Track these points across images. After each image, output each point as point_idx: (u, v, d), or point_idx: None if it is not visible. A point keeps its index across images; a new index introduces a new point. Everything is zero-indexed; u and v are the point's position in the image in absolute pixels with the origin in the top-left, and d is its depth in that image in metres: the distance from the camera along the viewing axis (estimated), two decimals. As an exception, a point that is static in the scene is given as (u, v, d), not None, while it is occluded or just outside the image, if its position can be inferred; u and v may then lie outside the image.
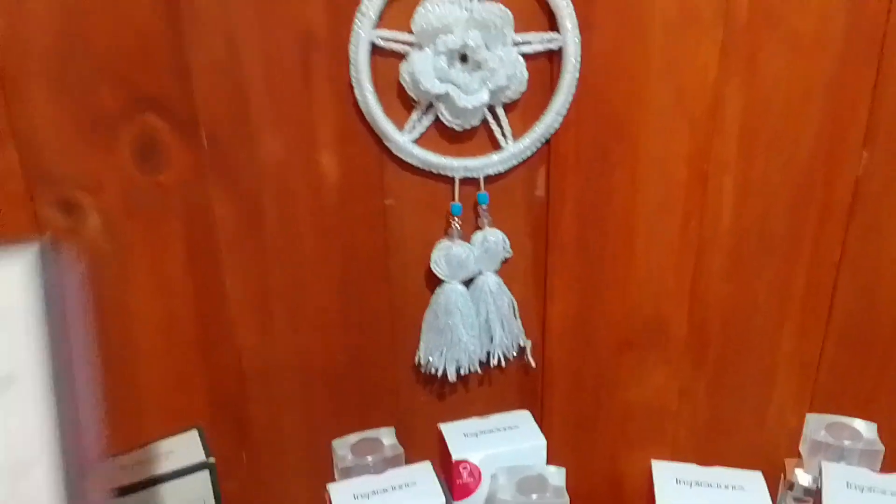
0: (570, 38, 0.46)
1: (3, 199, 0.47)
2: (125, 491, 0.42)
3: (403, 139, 0.48)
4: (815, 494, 0.44)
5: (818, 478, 0.43)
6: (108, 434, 0.53)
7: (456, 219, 0.51)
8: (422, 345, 0.54)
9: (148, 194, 0.48)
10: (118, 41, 0.44)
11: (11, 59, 0.44)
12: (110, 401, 0.52)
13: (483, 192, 0.50)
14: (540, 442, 0.45)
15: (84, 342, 0.25)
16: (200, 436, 0.46)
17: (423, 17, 0.45)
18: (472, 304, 0.52)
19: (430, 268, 0.51)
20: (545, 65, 0.48)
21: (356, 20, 0.45)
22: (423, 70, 0.45)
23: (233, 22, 0.45)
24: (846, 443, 0.45)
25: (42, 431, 0.23)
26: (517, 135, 0.49)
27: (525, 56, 0.47)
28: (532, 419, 0.47)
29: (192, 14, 0.44)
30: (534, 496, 0.41)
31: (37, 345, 0.23)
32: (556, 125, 0.49)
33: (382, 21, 0.45)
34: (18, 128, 0.45)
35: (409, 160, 0.49)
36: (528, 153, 0.50)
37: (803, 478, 0.47)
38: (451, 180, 0.50)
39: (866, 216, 0.54)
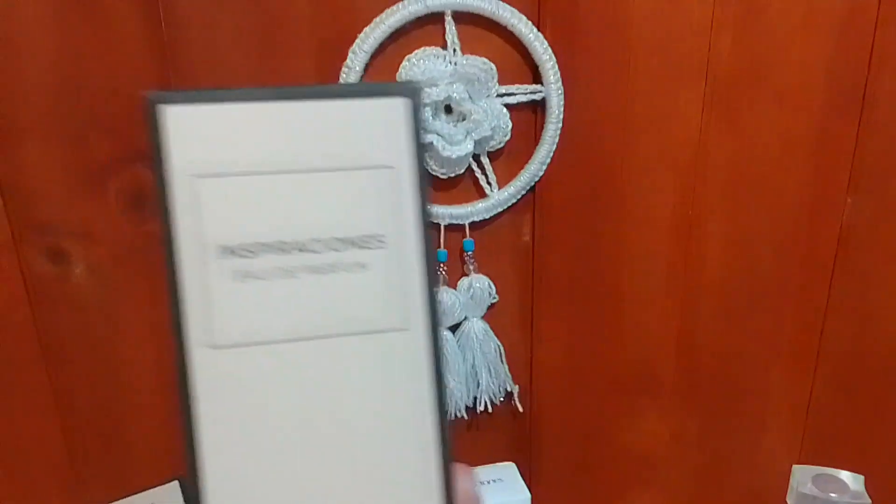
0: (552, 90, 0.47)
1: (-8, 248, 0.47)
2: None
3: (389, 188, 0.49)
4: (801, 547, 0.44)
5: (804, 531, 0.43)
6: (95, 483, 0.53)
7: (442, 266, 0.51)
8: (409, 391, 0.54)
9: (136, 243, 0.48)
10: (110, 94, 0.45)
11: (4, 109, 0.44)
12: (98, 450, 0.52)
13: (469, 238, 0.51)
14: (524, 496, 0.45)
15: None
16: (181, 487, 0.46)
17: (407, 71, 0.46)
18: (458, 351, 0.53)
19: (416, 315, 0.51)
20: (529, 115, 0.49)
21: (343, 73, 0.46)
22: (409, 122, 0.46)
23: (225, 77, 0.45)
24: (832, 496, 0.45)
25: (416, 295, 0.22)
26: (502, 183, 0.50)
27: (509, 107, 0.47)
28: (517, 473, 0.47)
29: (184, 69, 0.45)
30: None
31: (412, 207, 0.22)
32: (541, 174, 0.50)
33: (367, 74, 0.46)
34: (7, 175, 0.46)
35: (395, 208, 0.50)
36: (513, 201, 0.50)
37: (791, 529, 0.47)
38: (436, 227, 0.50)
39: (852, 262, 0.54)
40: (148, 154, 0.21)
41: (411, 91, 0.22)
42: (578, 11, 0.47)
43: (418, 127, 0.22)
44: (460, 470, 0.26)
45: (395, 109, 0.22)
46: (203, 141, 0.22)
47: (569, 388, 0.57)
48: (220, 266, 0.22)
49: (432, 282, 0.22)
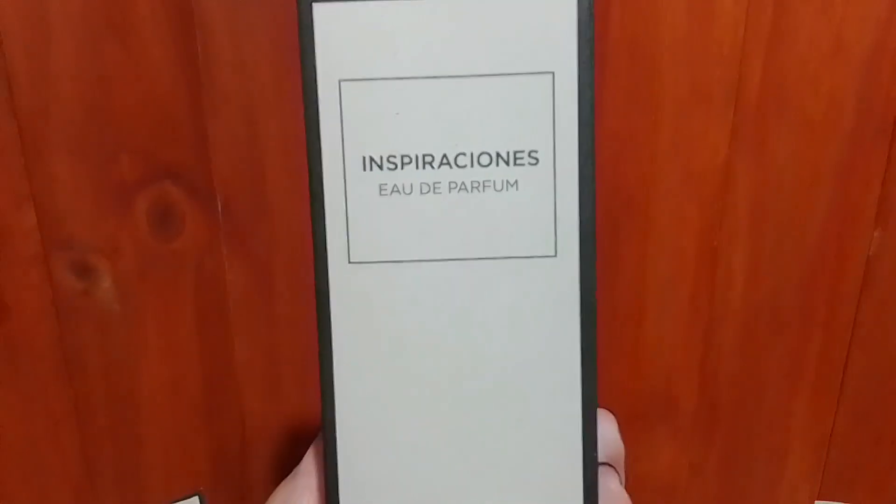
0: (581, 116, 0.47)
1: (20, 260, 0.48)
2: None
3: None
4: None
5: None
6: (111, 497, 0.53)
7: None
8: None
9: (161, 259, 0.49)
10: (139, 113, 0.45)
11: (35, 127, 0.45)
12: (115, 463, 0.52)
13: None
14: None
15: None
16: (201, 502, 0.46)
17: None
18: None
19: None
20: (556, 140, 0.49)
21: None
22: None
23: (252, 98, 0.46)
24: (857, 533, 0.44)
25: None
26: (527, 208, 0.50)
27: (536, 133, 0.47)
28: None
29: (212, 90, 0.45)
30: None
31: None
32: (567, 199, 0.50)
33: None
34: (38, 192, 0.46)
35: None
36: (538, 226, 0.50)
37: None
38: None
39: (878, 295, 0.54)
40: (301, 60, 0.20)
41: None
42: (608, 38, 0.47)
43: (586, 26, 0.19)
44: (603, 416, 0.24)
45: (559, 4, 0.19)
46: (352, 42, 0.20)
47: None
48: (363, 178, 0.21)
49: (588, 206, 0.20)
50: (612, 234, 0.51)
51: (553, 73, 0.20)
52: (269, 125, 0.46)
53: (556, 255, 0.20)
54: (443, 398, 0.21)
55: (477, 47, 0.20)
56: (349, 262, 0.21)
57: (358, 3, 0.20)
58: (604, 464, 0.24)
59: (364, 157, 0.20)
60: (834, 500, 0.55)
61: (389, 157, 0.20)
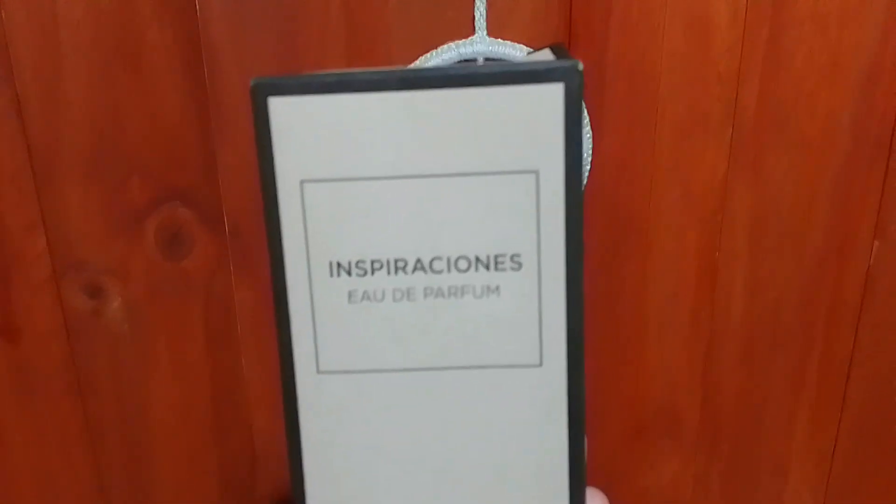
0: (581, 137, 0.48)
1: (31, 282, 0.48)
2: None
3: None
4: None
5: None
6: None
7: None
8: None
9: (170, 280, 0.49)
10: (149, 138, 0.46)
11: (46, 151, 0.46)
12: (126, 481, 0.53)
13: (496, 280, 0.51)
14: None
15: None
16: (212, 522, 0.46)
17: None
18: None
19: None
20: (558, 160, 0.50)
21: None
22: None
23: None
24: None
25: None
26: (530, 227, 0.51)
27: (538, 153, 0.48)
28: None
29: (220, 114, 0.46)
30: None
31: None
32: (568, 218, 0.50)
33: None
34: (49, 215, 0.47)
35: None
36: (541, 244, 0.51)
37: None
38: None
39: (878, 307, 0.54)
40: (258, 158, 0.19)
41: (567, 73, 0.17)
42: (606, 61, 0.48)
43: (573, 120, 0.18)
44: (594, 496, 0.22)
45: (544, 98, 0.17)
46: (314, 138, 0.18)
47: (589, 431, 0.57)
48: (330, 285, 0.19)
49: (576, 312, 0.19)
50: (612, 253, 0.52)
51: (537, 172, 0.18)
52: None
53: (541, 365, 0.19)
54: (416, 492, 0.20)
55: (453, 144, 0.18)
56: (318, 372, 0.20)
57: (320, 96, 0.18)
58: None
59: (331, 263, 0.19)
60: (837, 513, 0.56)
61: (358, 262, 0.19)
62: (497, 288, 0.19)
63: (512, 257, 0.18)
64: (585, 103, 0.47)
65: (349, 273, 0.19)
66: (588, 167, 0.49)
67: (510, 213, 0.18)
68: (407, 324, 0.19)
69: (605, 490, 0.62)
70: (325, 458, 0.20)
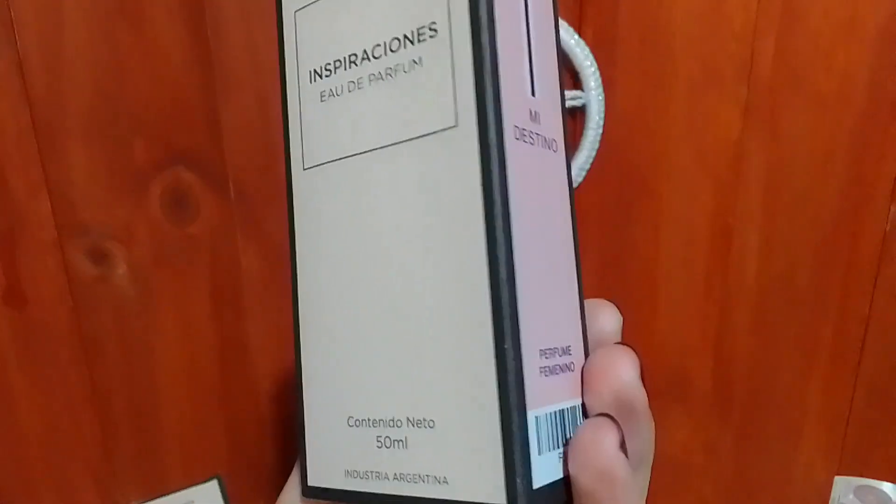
0: (593, 96, 0.47)
1: (36, 246, 0.48)
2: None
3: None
4: (843, 561, 0.43)
5: (847, 545, 0.42)
6: (130, 480, 0.53)
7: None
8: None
9: (176, 244, 0.49)
10: (152, 99, 0.45)
11: (48, 114, 0.45)
12: (134, 447, 0.53)
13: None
14: None
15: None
16: (220, 485, 0.46)
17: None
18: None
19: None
20: (569, 122, 0.49)
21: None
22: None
23: (264, 82, 0.46)
24: (875, 508, 0.44)
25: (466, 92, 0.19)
26: (540, 189, 0.50)
27: (548, 113, 0.47)
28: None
29: (224, 74, 0.45)
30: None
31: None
32: (580, 180, 0.49)
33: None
34: (52, 179, 0.47)
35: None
36: (551, 207, 0.50)
37: (832, 542, 0.46)
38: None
39: (894, 271, 0.53)
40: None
41: None
42: (619, 17, 0.46)
43: None
44: (597, 305, 0.21)
45: None
46: None
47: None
48: (310, 90, 0.22)
49: (487, 75, 0.19)
50: (625, 214, 0.51)
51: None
52: (279, 110, 0.46)
53: (456, 125, 0.19)
54: (367, 283, 0.22)
55: None
56: (303, 168, 0.23)
57: None
58: (602, 415, 0.18)
59: (310, 71, 0.23)
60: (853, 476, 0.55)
61: (325, 65, 0.22)
62: (420, 59, 0.20)
63: (430, 27, 0.20)
64: (596, 61, 0.46)
65: (321, 77, 0.22)
66: (600, 129, 0.48)
67: None
68: (359, 112, 0.21)
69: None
70: (310, 253, 0.23)
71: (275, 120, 0.47)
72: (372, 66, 0.21)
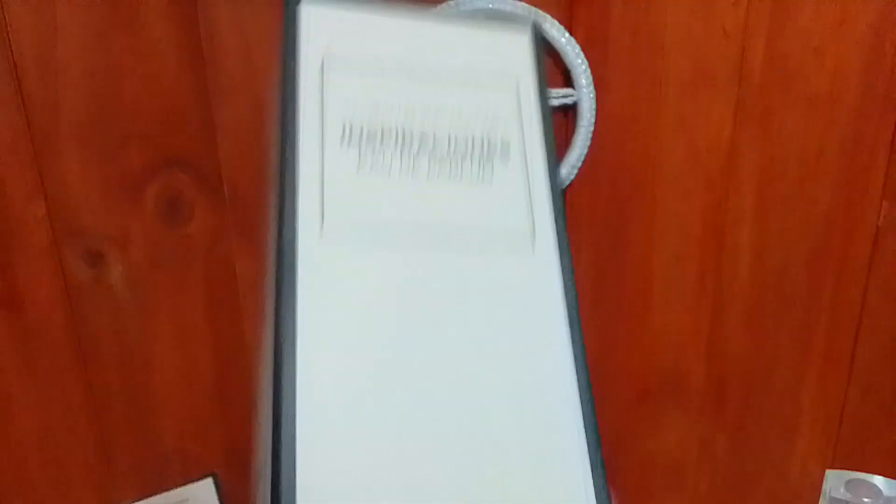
0: (584, 94, 0.47)
1: (32, 250, 0.48)
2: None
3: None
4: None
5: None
6: (128, 481, 0.53)
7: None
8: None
9: (171, 247, 0.49)
10: (146, 102, 0.46)
11: (44, 118, 0.45)
12: (131, 447, 0.53)
13: (499, 244, 0.51)
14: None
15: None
16: (215, 484, 0.46)
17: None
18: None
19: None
20: (561, 119, 0.49)
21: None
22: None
23: (258, 85, 0.46)
24: (866, 500, 0.44)
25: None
26: (533, 188, 0.50)
27: (540, 112, 0.48)
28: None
29: (217, 77, 0.46)
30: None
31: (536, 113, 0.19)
32: (572, 177, 0.50)
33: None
34: (47, 183, 0.47)
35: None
36: (544, 206, 0.50)
37: (824, 537, 0.46)
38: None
39: (887, 267, 0.53)
40: (282, 46, 0.20)
41: (532, 24, 0.21)
42: (610, 16, 0.47)
43: (539, 48, 0.22)
44: None
45: (520, 37, 0.21)
46: (335, 36, 0.20)
47: (595, 394, 0.57)
48: (339, 153, 0.19)
49: (559, 195, 0.18)
50: (618, 215, 0.51)
51: (517, 77, 0.20)
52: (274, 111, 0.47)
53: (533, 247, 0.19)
54: (404, 386, 0.19)
55: (444, 59, 0.20)
56: (320, 238, 0.20)
57: (341, 8, 0.20)
58: None
59: (342, 132, 0.21)
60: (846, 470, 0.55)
61: (369, 130, 0.20)
62: (491, 176, 0.19)
63: (503, 144, 0.19)
64: (588, 59, 0.47)
65: (357, 137, 0.19)
66: (592, 127, 0.48)
67: (499, 108, 0.20)
68: (410, 197, 0.19)
69: (611, 454, 0.62)
70: (318, 324, 0.20)
71: (269, 122, 0.47)
72: (433, 155, 0.18)
